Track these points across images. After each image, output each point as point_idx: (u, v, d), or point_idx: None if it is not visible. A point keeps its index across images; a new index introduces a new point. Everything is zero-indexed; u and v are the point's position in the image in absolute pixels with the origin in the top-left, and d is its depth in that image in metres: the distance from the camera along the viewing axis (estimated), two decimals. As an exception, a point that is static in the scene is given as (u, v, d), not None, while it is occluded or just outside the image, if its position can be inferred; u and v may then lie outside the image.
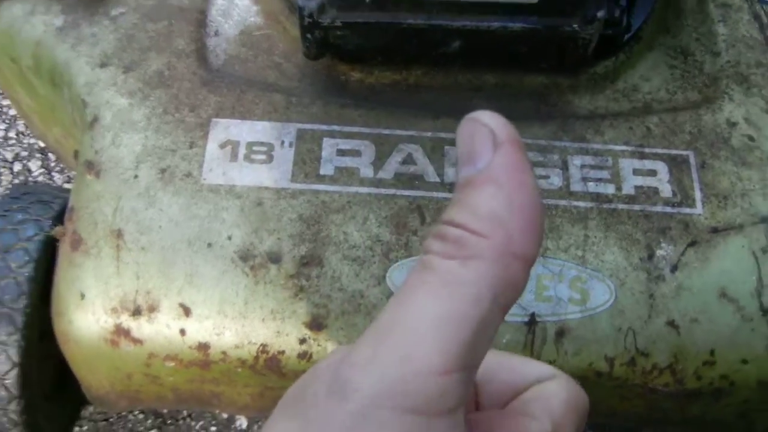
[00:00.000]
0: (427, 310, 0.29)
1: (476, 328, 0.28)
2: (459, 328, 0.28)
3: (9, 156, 1.34)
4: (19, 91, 1.08)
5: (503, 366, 0.36)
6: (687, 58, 0.98)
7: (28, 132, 1.36)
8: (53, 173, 1.32)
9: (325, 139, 0.86)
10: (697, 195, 0.86)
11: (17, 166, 1.33)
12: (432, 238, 0.30)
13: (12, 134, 1.37)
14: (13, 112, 1.39)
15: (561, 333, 0.79)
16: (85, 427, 1.09)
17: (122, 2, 0.99)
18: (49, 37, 0.97)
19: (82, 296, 0.82)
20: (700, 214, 0.85)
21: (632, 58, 0.96)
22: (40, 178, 1.31)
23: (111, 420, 1.10)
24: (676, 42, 1.00)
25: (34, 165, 1.33)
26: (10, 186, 1.30)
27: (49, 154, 1.33)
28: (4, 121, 1.39)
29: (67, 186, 1.30)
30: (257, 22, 0.97)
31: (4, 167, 1.33)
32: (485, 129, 0.31)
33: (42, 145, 1.34)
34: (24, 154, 1.34)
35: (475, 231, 0.29)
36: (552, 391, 0.35)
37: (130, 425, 1.09)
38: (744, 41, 0.99)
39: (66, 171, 1.31)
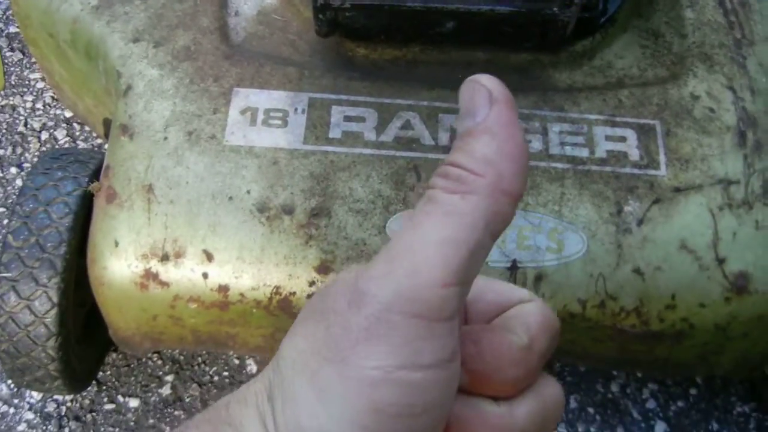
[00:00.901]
0: (433, 235, 0.34)
1: (471, 250, 0.34)
2: (458, 249, 0.34)
3: (37, 126, 1.44)
4: (54, 63, 1.19)
5: (490, 288, 0.42)
6: (657, 39, 1.09)
7: (54, 103, 1.46)
8: (78, 141, 1.42)
9: (333, 106, 0.97)
10: (662, 159, 0.96)
11: (44, 135, 1.43)
12: (436, 176, 0.36)
13: (39, 105, 1.47)
14: (40, 85, 1.49)
15: (539, 278, 0.90)
16: (108, 372, 1.19)
17: (151, -16, 1.09)
18: (86, 14, 1.07)
19: (116, 244, 0.93)
20: (664, 176, 0.95)
21: (608, 38, 1.07)
22: (66, 146, 1.41)
23: (132, 366, 1.20)
24: (648, 25, 1.10)
25: (60, 134, 1.43)
26: (38, 153, 1.40)
27: (74, 124, 1.43)
28: (31, 93, 1.48)
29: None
30: (273, 4, 1.07)
31: (32, 136, 1.43)
32: (484, 89, 0.36)
33: (68, 115, 1.44)
34: (50, 123, 1.44)
35: (472, 171, 0.35)
36: (530, 311, 0.40)
37: (149, 370, 1.20)
38: (709, 24, 1.10)
39: (90, 139, 1.41)
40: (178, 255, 0.92)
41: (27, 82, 1.50)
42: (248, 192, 0.92)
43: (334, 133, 0.95)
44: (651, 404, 1.17)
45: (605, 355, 1.01)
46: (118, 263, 0.93)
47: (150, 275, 0.92)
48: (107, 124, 1.15)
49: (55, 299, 0.95)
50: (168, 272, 0.92)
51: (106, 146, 1.01)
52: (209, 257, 0.91)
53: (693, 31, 1.09)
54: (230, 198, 0.92)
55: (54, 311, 0.95)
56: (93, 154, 1.04)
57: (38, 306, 0.94)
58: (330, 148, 0.94)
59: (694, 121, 1.00)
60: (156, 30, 1.04)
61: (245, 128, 0.95)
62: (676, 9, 1.12)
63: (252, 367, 1.20)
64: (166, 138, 0.95)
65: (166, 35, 1.03)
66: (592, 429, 1.14)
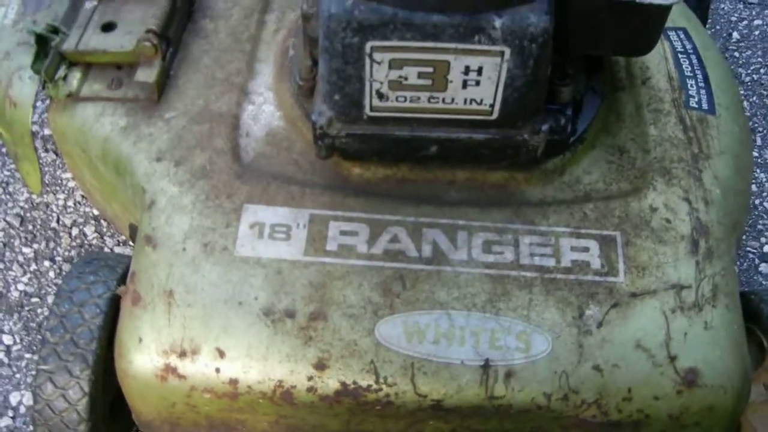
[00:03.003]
0: None
1: None
2: None
3: (68, 222, 1.59)
4: (86, 173, 1.33)
5: None
6: (623, 154, 1.22)
7: (84, 201, 1.61)
8: (105, 237, 1.56)
9: (331, 222, 1.11)
10: (621, 267, 1.09)
11: (75, 231, 1.57)
12: None
13: (70, 203, 1.62)
14: (71, 184, 1.64)
15: (509, 374, 1.02)
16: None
17: (173, 107, 1.24)
18: (115, 134, 1.22)
19: (140, 341, 1.06)
20: (622, 282, 1.08)
21: (577, 155, 1.20)
22: (95, 242, 1.55)
23: (152, 445, 1.33)
24: (615, 141, 1.23)
25: (89, 230, 1.57)
26: (68, 247, 1.55)
27: (102, 221, 1.58)
28: (63, 192, 1.63)
29: (118, 249, 1.54)
30: (280, 126, 1.22)
31: (63, 231, 1.57)
32: None
33: (95, 213, 1.59)
34: (80, 220, 1.59)
35: None
36: None
37: (168, 449, 1.32)
38: (670, 140, 1.23)
39: (116, 236, 1.56)
40: (194, 352, 1.05)
41: (60, 181, 1.65)
42: (256, 298, 1.05)
43: (331, 246, 1.09)
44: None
45: (574, 440, 1.12)
46: (142, 358, 1.06)
47: (169, 369, 1.05)
48: (132, 228, 1.29)
49: (86, 389, 1.08)
50: (185, 367, 1.05)
51: (129, 250, 1.15)
52: (221, 354, 1.04)
53: (655, 147, 1.22)
54: (240, 303, 1.05)
55: (85, 399, 1.08)
56: (120, 258, 1.18)
57: (71, 395, 1.07)
58: (327, 260, 1.08)
59: (651, 231, 1.12)
60: (176, 150, 1.18)
61: (254, 241, 1.09)
62: (641, 126, 1.25)
63: (260, 446, 1.32)
64: (184, 249, 1.09)
65: (185, 155, 1.17)
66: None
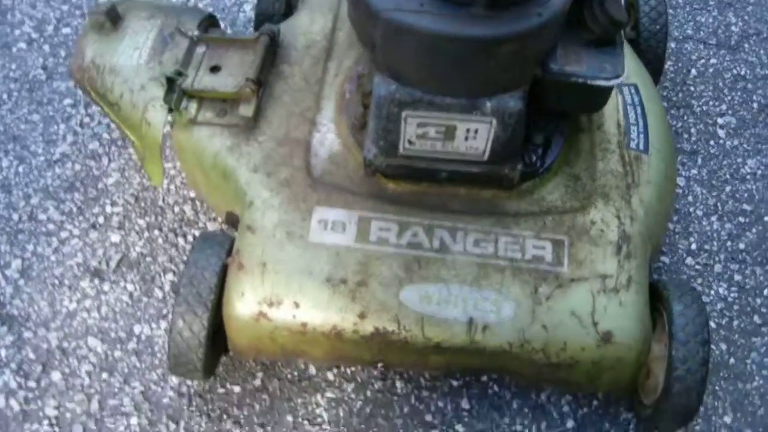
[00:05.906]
0: None
1: None
2: None
3: (171, 201, 2.09)
4: (197, 174, 1.85)
5: None
6: (577, 181, 1.73)
7: (182, 186, 2.12)
8: (199, 214, 2.09)
9: (372, 221, 1.63)
10: (566, 260, 1.61)
11: (176, 209, 2.09)
12: None
13: (172, 187, 2.12)
14: (173, 172, 2.16)
15: (485, 328, 1.55)
16: (221, 368, 1.83)
17: (263, 132, 1.75)
18: (223, 151, 1.73)
19: (242, 295, 1.58)
20: (566, 271, 1.59)
21: (544, 180, 1.71)
22: (191, 217, 2.06)
23: (236, 365, 1.83)
24: (573, 171, 1.74)
25: (187, 208, 2.08)
26: (172, 221, 2.08)
27: (197, 202, 2.11)
28: (166, 177, 2.16)
29: (210, 224, 2.07)
30: (339, 150, 1.73)
31: (168, 209, 2.08)
32: None
33: (192, 195, 2.11)
34: (180, 200, 2.09)
35: None
36: None
37: (247, 368, 1.81)
38: (611, 172, 1.74)
39: (207, 213, 2.08)
40: (279, 303, 1.57)
41: (164, 170, 2.18)
42: (321, 270, 1.58)
43: (373, 238, 1.61)
44: (566, 408, 1.81)
45: (529, 374, 1.64)
46: (243, 306, 1.58)
47: (261, 314, 1.58)
48: (229, 214, 1.81)
49: (205, 324, 1.60)
50: (272, 313, 1.57)
51: (219, 225, 1.67)
52: (297, 305, 1.57)
53: (600, 177, 1.72)
54: (310, 273, 1.58)
55: (204, 332, 1.60)
56: (225, 238, 1.70)
57: (195, 328, 1.59)
58: (369, 247, 1.60)
59: (589, 238, 1.64)
60: (267, 165, 1.70)
61: (321, 232, 1.61)
62: (592, 161, 1.75)
63: (312, 370, 1.86)
64: (274, 235, 1.61)
65: (273, 169, 1.69)
66: (525, 422, 1.80)
